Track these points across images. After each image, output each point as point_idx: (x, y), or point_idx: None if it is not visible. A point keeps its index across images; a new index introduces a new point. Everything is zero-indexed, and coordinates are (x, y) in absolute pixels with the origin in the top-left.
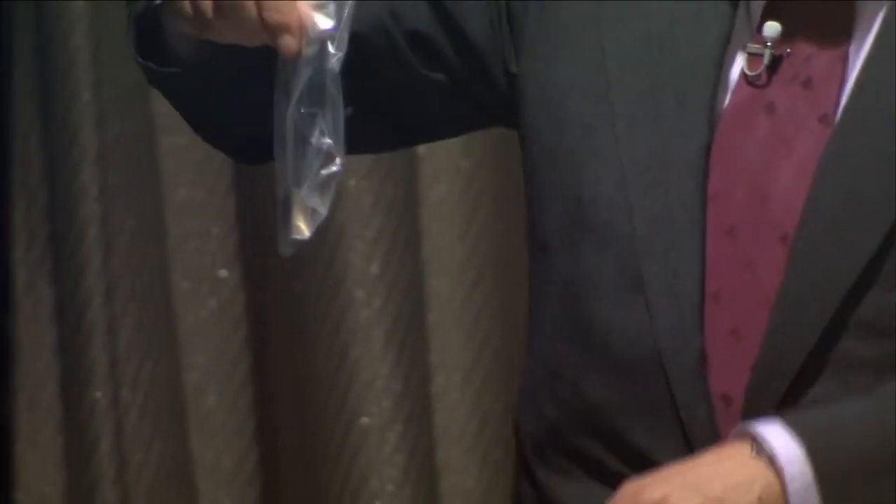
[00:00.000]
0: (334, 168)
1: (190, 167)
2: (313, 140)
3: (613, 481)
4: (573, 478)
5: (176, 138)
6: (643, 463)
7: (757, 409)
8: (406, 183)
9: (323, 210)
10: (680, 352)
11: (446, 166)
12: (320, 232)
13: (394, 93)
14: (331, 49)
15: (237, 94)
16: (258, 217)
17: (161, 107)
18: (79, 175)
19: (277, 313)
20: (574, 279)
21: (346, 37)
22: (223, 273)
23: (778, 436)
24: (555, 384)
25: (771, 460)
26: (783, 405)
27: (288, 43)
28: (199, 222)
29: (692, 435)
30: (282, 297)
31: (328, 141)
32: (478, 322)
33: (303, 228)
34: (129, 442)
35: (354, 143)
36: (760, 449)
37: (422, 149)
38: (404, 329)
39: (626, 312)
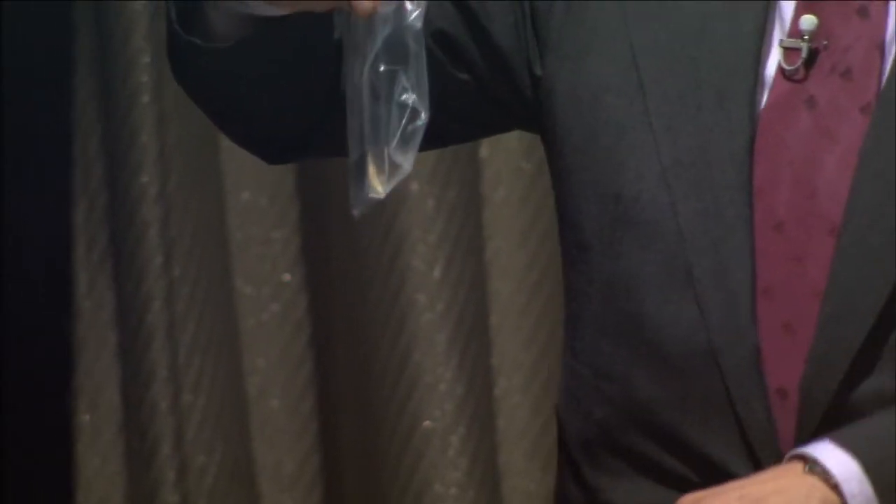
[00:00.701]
0: (419, 122)
1: (252, 170)
2: (395, 96)
3: (667, 479)
4: (625, 477)
5: None
6: (698, 459)
7: (813, 402)
8: (468, 186)
9: (408, 166)
10: (734, 346)
11: (508, 169)
12: (383, 236)
13: None
14: (408, 5)
15: (273, 79)
16: (321, 221)
17: None
18: (139, 177)
19: (340, 317)
20: (616, 277)
21: None
22: (286, 277)
23: (831, 454)
24: (601, 383)
25: (826, 479)
26: (839, 397)
27: (363, 3)
28: (262, 226)
29: (749, 429)
30: (344, 301)
31: (413, 96)
32: (540, 324)
33: (378, 188)
34: (190, 445)
35: None
36: (814, 468)
37: (484, 152)
38: (466, 332)
39: (675, 308)
